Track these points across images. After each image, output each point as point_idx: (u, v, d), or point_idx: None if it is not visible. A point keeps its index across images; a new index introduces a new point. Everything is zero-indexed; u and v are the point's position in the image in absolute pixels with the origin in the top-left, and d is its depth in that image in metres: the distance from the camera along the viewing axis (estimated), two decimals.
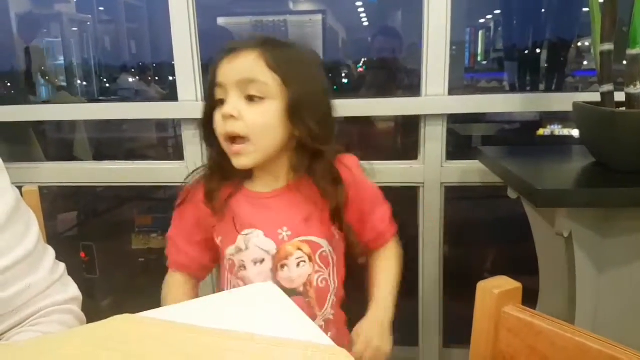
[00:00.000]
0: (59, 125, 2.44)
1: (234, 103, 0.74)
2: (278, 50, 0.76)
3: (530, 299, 0.54)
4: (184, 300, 0.75)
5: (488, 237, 1.89)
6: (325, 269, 0.81)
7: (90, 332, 0.54)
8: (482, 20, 2.84)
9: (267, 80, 0.74)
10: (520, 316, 0.52)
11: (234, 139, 0.76)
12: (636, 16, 0.93)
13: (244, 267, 0.81)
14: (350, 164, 0.83)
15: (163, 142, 2.43)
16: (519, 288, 0.54)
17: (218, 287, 0.92)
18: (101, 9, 3.39)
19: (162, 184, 1.47)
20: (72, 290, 0.67)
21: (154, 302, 0.61)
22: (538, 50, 2.24)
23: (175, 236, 0.87)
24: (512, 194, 1.07)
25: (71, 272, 0.69)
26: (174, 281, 0.86)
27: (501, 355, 0.54)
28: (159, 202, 2.16)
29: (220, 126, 0.76)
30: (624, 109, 0.98)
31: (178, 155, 1.41)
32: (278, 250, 0.79)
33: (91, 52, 3.23)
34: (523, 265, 1.19)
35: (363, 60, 2.49)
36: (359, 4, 2.99)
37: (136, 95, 2.62)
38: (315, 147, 0.78)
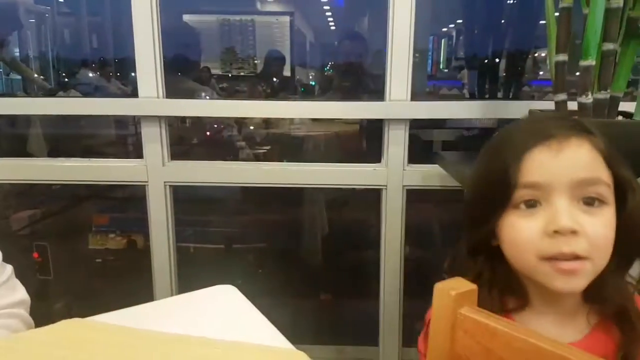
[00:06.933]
0: (12, 120, 2.33)
1: (569, 213, 0.55)
2: (605, 137, 0.59)
3: None
4: None
5: (446, 239, 1.94)
6: None
7: (36, 337, 0.52)
8: (444, 29, 2.90)
9: (609, 180, 0.57)
10: (476, 317, 0.52)
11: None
12: (588, 29, 0.97)
13: None
14: None
15: (122, 139, 2.36)
16: (474, 290, 0.55)
17: None
18: (61, 0, 3.26)
19: (121, 183, 1.43)
20: (20, 293, 0.65)
21: (111, 304, 0.59)
22: (497, 60, 2.31)
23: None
24: None
25: (23, 273, 0.67)
26: None
27: (458, 356, 0.55)
28: (117, 201, 2.10)
29: (546, 243, 0.57)
30: (576, 117, 1.02)
31: (137, 153, 1.37)
32: None
33: (49, 44, 3.10)
34: None
35: (330, 63, 2.50)
36: (326, 7, 3.01)
37: (96, 91, 2.53)
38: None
